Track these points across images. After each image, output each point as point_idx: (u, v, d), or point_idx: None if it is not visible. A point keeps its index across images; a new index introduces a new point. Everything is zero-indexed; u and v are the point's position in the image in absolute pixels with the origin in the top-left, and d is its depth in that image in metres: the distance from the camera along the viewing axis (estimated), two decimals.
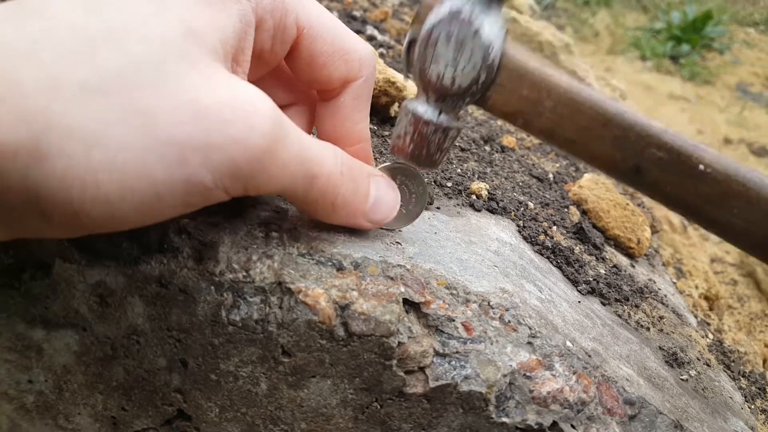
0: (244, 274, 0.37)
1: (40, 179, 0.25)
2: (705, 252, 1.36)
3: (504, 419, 0.38)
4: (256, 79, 0.39)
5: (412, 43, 0.41)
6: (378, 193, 0.40)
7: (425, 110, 0.41)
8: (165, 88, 0.27)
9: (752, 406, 0.67)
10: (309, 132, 0.45)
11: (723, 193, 0.39)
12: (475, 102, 0.42)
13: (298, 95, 0.43)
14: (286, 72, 0.41)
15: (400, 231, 0.46)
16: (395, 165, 0.44)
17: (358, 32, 0.91)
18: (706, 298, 1.03)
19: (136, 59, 0.27)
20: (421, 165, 0.43)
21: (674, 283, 0.82)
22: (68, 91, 0.25)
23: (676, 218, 1.35)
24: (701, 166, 0.39)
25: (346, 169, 0.36)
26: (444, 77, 0.40)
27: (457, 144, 0.68)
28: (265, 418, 0.41)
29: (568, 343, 0.42)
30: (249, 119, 0.29)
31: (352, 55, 0.39)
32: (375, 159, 0.57)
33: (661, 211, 1.34)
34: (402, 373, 0.39)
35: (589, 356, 0.42)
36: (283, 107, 0.42)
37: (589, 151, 0.41)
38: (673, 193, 0.41)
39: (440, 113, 0.42)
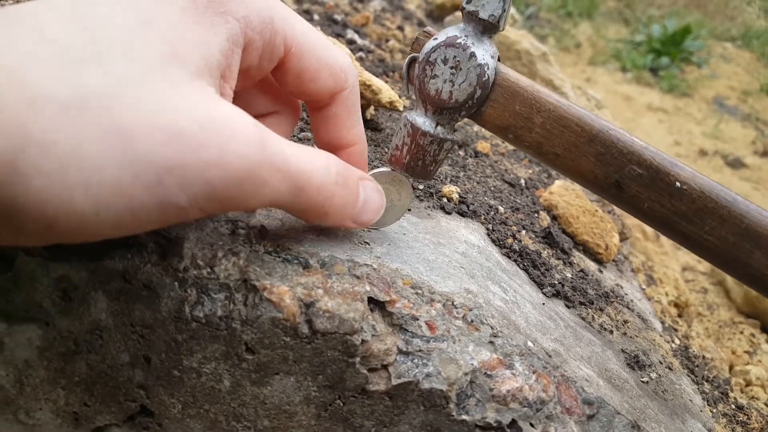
0: (209, 270, 0.38)
1: (15, 193, 0.25)
2: (677, 260, 1.39)
3: (464, 417, 0.39)
4: (240, 89, 0.40)
5: (412, 62, 0.44)
6: (366, 196, 0.41)
7: (423, 122, 0.44)
8: (144, 108, 0.28)
9: (714, 410, 0.68)
10: (289, 137, 0.45)
11: (697, 210, 0.41)
12: (469, 116, 0.44)
13: (282, 104, 0.44)
14: (270, 81, 0.42)
15: (369, 231, 0.46)
16: (383, 171, 0.45)
17: (338, 36, 0.92)
18: (676, 305, 1.05)
19: (118, 79, 0.27)
20: (416, 176, 0.46)
21: (643, 289, 0.83)
22: (48, 109, 0.25)
23: (648, 227, 1.37)
24: (678, 183, 0.41)
25: (340, 178, 0.37)
26: (442, 92, 0.43)
27: None
28: (228, 415, 0.41)
29: (530, 343, 0.42)
30: (226, 143, 0.29)
31: (336, 68, 0.40)
32: (365, 139, 0.57)
33: (633, 219, 1.36)
34: (365, 371, 0.39)
35: (550, 356, 0.43)
36: (266, 115, 0.43)
37: (574, 167, 0.43)
38: (651, 208, 0.42)
39: (437, 125, 0.44)
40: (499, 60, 0.44)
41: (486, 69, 0.42)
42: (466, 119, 0.46)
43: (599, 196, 0.45)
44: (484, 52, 0.42)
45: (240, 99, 0.40)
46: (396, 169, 0.45)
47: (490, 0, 0.41)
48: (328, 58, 0.40)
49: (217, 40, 0.32)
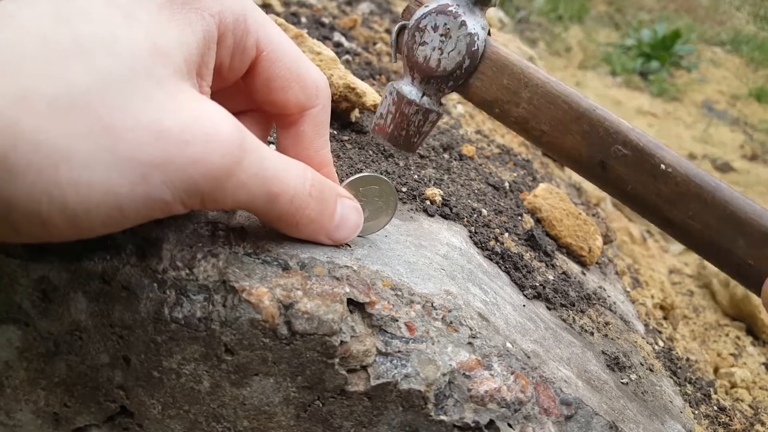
0: (188, 272, 0.38)
1: (9, 191, 0.26)
2: (664, 263, 1.40)
3: (442, 417, 0.39)
4: (214, 89, 0.40)
5: (402, 30, 0.44)
6: (343, 213, 0.41)
7: (410, 90, 0.44)
8: (130, 106, 0.28)
9: (696, 412, 0.69)
10: (267, 135, 0.45)
11: (681, 194, 0.41)
12: (456, 88, 0.44)
13: (256, 104, 0.44)
14: (244, 88, 0.42)
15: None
16: (365, 175, 0.45)
17: (325, 39, 0.92)
18: (662, 308, 1.06)
19: (104, 75, 0.28)
20: (399, 146, 0.45)
21: (627, 291, 0.84)
22: (38, 106, 0.26)
23: (635, 230, 1.38)
24: (663, 166, 0.41)
25: (315, 191, 0.38)
26: (430, 59, 0.42)
27: (417, 151, 0.69)
28: (208, 416, 0.41)
29: (508, 345, 0.43)
30: (208, 142, 0.30)
31: (308, 82, 0.40)
32: (332, 162, 0.57)
33: (621, 222, 1.37)
34: (344, 372, 0.39)
35: (529, 357, 0.43)
36: (242, 112, 0.43)
37: (559, 144, 0.43)
38: (635, 190, 0.42)
39: (423, 95, 0.44)
40: (489, 34, 0.43)
41: (476, 39, 0.42)
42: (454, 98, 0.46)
43: (584, 177, 0.44)
44: (475, 23, 0.42)
45: (215, 96, 0.40)
46: (379, 137, 0.45)
47: None
48: (300, 70, 0.39)
49: (195, 37, 0.32)
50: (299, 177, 0.36)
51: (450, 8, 0.41)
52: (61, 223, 0.28)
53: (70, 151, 0.26)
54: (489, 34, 0.44)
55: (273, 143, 0.53)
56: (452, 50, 0.42)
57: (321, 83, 0.41)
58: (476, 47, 0.42)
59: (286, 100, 0.40)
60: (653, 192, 0.41)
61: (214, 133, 0.31)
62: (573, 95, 0.42)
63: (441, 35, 0.42)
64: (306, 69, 0.40)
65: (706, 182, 0.41)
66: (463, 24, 0.41)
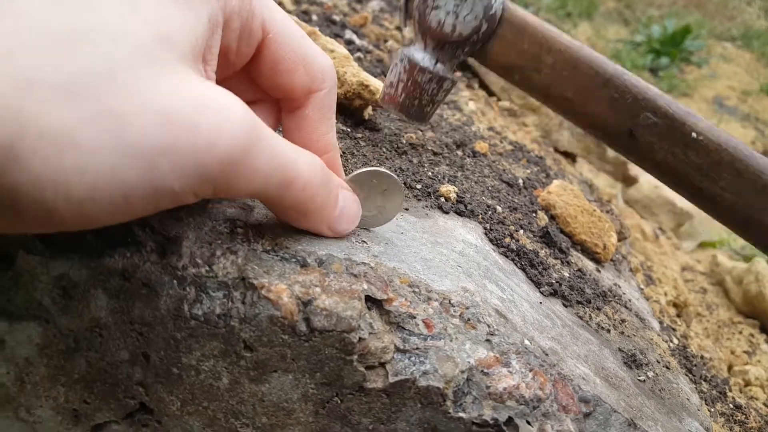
0: (207, 269, 0.38)
1: (15, 180, 0.26)
2: (676, 260, 1.39)
3: (461, 414, 0.39)
4: (221, 80, 0.40)
5: None
6: (344, 204, 0.41)
7: (422, 57, 0.41)
8: (136, 92, 0.28)
9: (712, 410, 0.69)
10: (276, 127, 0.45)
11: (713, 163, 0.39)
12: (473, 54, 0.42)
13: (264, 93, 0.43)
14: (251, 74, 0.42)
15: (368, 231, 0.46)
16: (370, 169, 0.45)
17: (336, 36, 0.92)
18: (675, 305, 1.05)
19: (109, 61, 0.27)
20: (410, 117, 0.42)
21: (641, 289, 0.84)
22: (42, 92, 0.26)
23: (648, 227, 1.38)
24: (694, 134, 0.39)
25: (324, 179, 0.37)
26: (444, 24, 0.40)
27: (430, 148, 0.69)
28: (227, 412, 0.41)
29: (526, 342, 0.43)
30: (220, 125, 0.29)
31: (314, 65, 0.40)
32: (347, 160, 0.58)
33: (633, 219, 1.37)
34: (362, 369, 0.39)
35: (547, 355, 0.43)
36: (252, 103, 0.42)
37: (584, 112, 0.41)
38: (665, 160, 0.40)
39: (437, 62, 0.42)
40: None
41: (493, 1, 0.40)
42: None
43: (610, 146, 0.42)
44: None
45: (223, 86, 0.40)
46: (389, 107, 0.43)
47: None
48: (306, 53, 0.39)
49: (199, 22, 0.32)
50: (310, 164, 0.36)
51: None
52: (66, 212, 0.27)
53: (76, 138, 0.26)
54: None
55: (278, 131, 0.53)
56: (468, 14, 0.40)
57: (327, 67, 0.41)
58: (494, 10, 0.40)
59: (292, 83, 0.40)
60: (684, 161, 0.40)
61: (227, 115, 0.30)
62: (598, 60, 0.41)
63: None
64: (312, 52, 0.40)
65: (739, 150, 0.39)
66: None
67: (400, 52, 0.41)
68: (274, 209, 0.38)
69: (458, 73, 1.13)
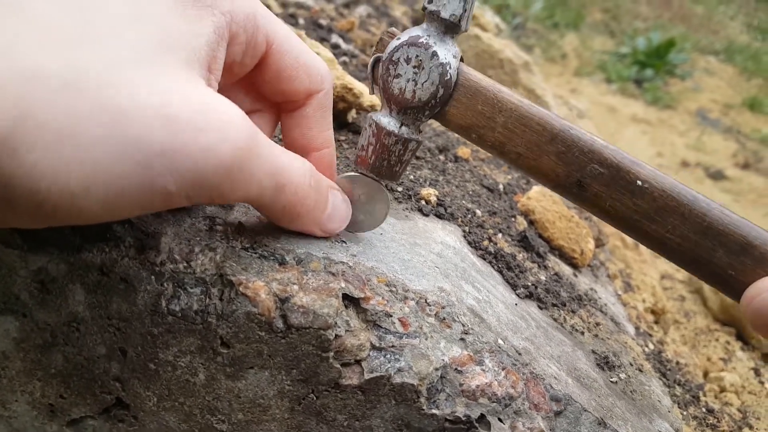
0: (185, 265, 0.38)
1: (10, 168, 0.26)
2: (655, 268, 1.41)
3: (434, 411, 0.40)
4: (222, 87, 0.41)
5: (376, 62, 0.44)
6: (334, 205, 0.42)
7: (388, 122, 0.44)
8: (138, 90, 0.28)
9: (684, 413, 0.70)
10: (270, 136, 0.46)
11: (658, 209, 0.41)
12: (433, 116, 0.45)
13: (262, 102, 0.45)
14: (251, 82, 0.43)
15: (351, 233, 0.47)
16: (358, 174, 0.46)
17: (322, 40, 0.93)
18: (653, 312, 1.07)
19: (112, 60, 0.28)
20: (382, 176, 0.45)
21: (618, 294, 0.85)
22: (43, 85, 0.26)
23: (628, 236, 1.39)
24: (639, 182, 0.41)
25: (314, 182, 0.39)
26: (405, 91, 0.43)
27: None
28: (203, 408, 0.42)
29: (500, 341, 0.43)
30: (222, 130, 0.30)
31: (314, 70, 0.42)
32: (334, 143, 0.58)
33: (611, 227, 1.38)
34: (338, 365, 0.40)
35: (520, 354, 0.44)
36: (249, 113, 0.44)
37: (536, 166, 0.44)
38: (613, 207, 0.42)
39: (401, 125, 0.44)
40: (462, 60, 0.44)
41: (448, 68, 0.42)
42: (431, 121, 0.46)
43: (562, 196, 0.45)
44: (446, 52, 0.42)
45: (223, 95, 0.41)
46: (362, 170, 0.46)
47: (452, 0, 0.41)
48: (307, 60, 0.41)
49: (205, 32, 0.33)
50: (301, 168, 0.37)
51: (421, 40, 0.42)
52: (59, 204, 0.27)
53: (76, 130, 0.26)
54: (462, 60, 0.44)
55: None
56: (426, 81, 0.42)
57: (324, 70, 0.43)
58: (449, 76, 0.43)
59: (295, 88, 0.41)
60: (631, 208, 0.42)
61: (228, 120, 0.30)
62: (546, 116, 0.43)
63: (414, 67, 0.42)
64: (311, 58, 0.42)
65: (683, 195, 0.41)
66: (434, 54, 0.42)
67: (369, 118, 0.45)
68: (266, 212, 0.39)
69: None
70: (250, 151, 0.32)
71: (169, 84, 0.29)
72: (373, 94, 0.47)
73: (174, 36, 0.31)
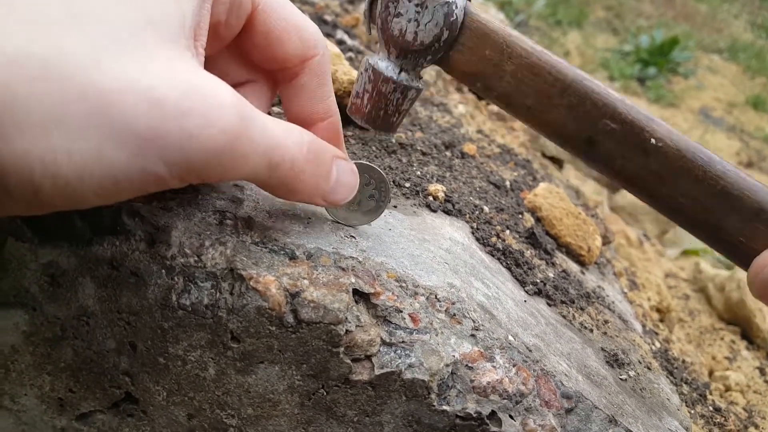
0: (196, 259, 0.38)
1: (2, 155, 0.25)
2: (660, 267, 1.41)
3: (445, 407, 0.40)
4: (212, 55, 0.40)
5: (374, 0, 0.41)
6: (339, 174, 0.40)
7: (386, 66, 0.41)
8: (123, 74, 0.27)
9: (692, 411, 0.70)
10: (268, 109, 0.45)
11: (672, 169, 0.39)
12: (436, 61, 0.41)
13: (256, 72, 0.43)
14: (242, 49, 0.42)
15: (356, 228, 0.47)
16: (358, 164, 0.45)
17: (328, 36, 0.92)
18: (658, 310, 1.07)
19: (98, 42, 0.27)
20: (377, 127, 0.42)
21: (625, 292, 0.85)
22: (30, 69, 0.25)
23: (633, 233, 1.39)
24: (653, 140, 0.39)
25: (312, 155, 0.37)
26: (406, 32, 0.40)
27: (419, 148, 0.70)
28: (212, 403, 0.42)
29: (510, 338, 0.43)
30: (208, 113, 0.29)
31: (305, 33, 0.40)
32: (338, 112, 0.57)
33: (618, 225, 1.38)
34: (349, 361, 0.40)
35: (530, 351, 0.44)
36: (241, 84, 0.42)
37: (544, 120, 0.41)
38: (624, 167, 0.40)
39: (401, 71, 0.41)
40: (470, 0, 0.41)
41: (454, 8, 0.39)
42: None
43: (571, 153, 0.42)
44: None
45: (214, 66, 0.39)
46: (356, 118, 0.42)
47: None
48: (296, 20, 0.39)
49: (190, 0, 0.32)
50: (297, 143, 0.36)
51: None
52: (53, 192, 0.27)
53: (63, 116, 0.26)
54: (470, 0, 0.41)
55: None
56: (429, 21, 0.39)
57: (316, 34, 0.41)
58: (455, 17, 0.39)
59: (286, 52, 0.39)
60: (643, 168, 0.40)
61: (215, 102, 0.29)
62: (559, 65, 0.40)
63: (417, 5, 0.39)
64: (302, 20, 0.40)
65: (698, 156, 0.39)
66: None
67: (365, 61, 0.41)
68: (264, 188, 0.38)
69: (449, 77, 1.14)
70: (240, 133, 0.31)
71: (155, 66, 0.28)
72: (371, 34, 0.44)
73: (158, 10, 0.30)
